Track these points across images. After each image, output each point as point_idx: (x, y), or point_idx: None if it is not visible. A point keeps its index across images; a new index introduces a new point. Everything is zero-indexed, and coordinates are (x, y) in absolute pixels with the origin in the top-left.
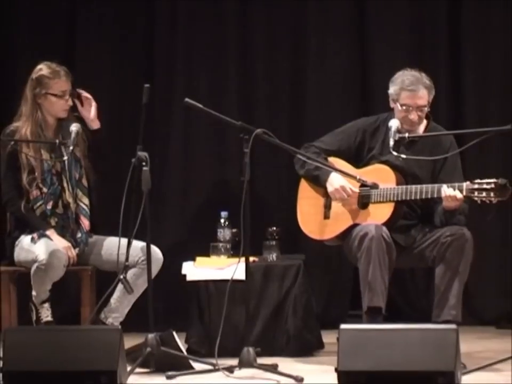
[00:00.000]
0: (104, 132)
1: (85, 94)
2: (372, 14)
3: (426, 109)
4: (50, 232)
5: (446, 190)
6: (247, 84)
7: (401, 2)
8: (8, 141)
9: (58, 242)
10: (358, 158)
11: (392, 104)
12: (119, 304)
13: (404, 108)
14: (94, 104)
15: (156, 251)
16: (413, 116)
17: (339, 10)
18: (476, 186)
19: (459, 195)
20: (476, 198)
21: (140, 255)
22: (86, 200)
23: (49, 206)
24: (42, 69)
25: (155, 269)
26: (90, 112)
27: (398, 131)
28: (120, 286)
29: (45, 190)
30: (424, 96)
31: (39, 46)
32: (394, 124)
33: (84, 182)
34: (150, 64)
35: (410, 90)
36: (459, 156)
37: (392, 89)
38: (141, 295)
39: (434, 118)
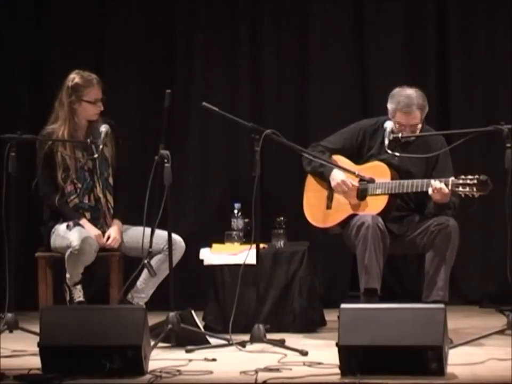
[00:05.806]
0: (130, 133)
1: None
2: (371, 25)
3: (419, 126)
4: (83, 221)
5: (433, 183)
6: (258, 87)
7: (396, 14)
8: (46, 141)
9: (91, 230)
10: (358, 156)
11: (390, 116)
12: (145, 286)
13: (398, 125)
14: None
15: (180, 240)
16: (406, 132)
17: (341, 23)
18: (461, 181)
19: (444, 188)
20: (460, 192)
21: (164, 243)
22: (110, 198)
23: (85, 200)
24: (76, 77)
25: (178, 256)
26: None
27: (392, 131)
28: (146, 270)
29: (79, 185)
30: (417, 117)
31: (72, 56)
32: (388, 125)
33: (110, 180)
34: (171, 72)
35: (404, 112)
36: (450, 156)
37: (389, 106)
38: (164, 278)
39: (426, 121)
